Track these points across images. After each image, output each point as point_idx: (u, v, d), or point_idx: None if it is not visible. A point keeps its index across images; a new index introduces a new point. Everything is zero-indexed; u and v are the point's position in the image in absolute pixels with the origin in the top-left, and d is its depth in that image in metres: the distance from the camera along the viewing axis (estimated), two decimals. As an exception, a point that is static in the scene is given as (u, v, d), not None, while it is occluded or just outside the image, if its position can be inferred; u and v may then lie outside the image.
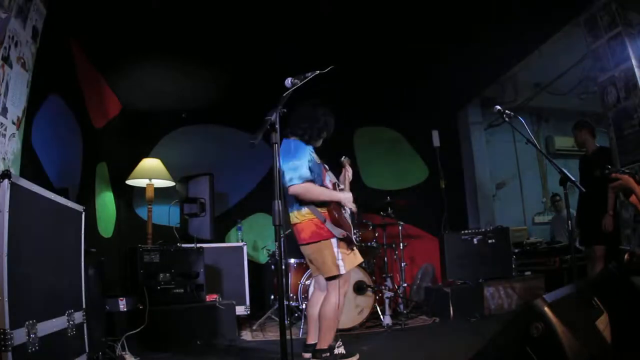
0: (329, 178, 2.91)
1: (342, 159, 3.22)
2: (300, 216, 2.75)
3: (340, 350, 2.78)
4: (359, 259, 2.86)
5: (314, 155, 2.83)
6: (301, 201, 2.73)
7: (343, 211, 2.77)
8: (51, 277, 2.21)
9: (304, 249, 2.81)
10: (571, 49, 4.64)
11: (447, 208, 5.67)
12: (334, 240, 2.69)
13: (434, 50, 4.61)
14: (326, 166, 2.95)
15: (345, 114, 5.82)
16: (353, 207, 2.86)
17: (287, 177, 2.67)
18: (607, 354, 1.57)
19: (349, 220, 2.81)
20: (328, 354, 2.68)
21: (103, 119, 4.70)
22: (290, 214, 2.82)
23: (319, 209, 2.72)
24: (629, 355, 1.67)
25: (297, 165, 2.67)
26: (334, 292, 2.71)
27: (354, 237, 2.79)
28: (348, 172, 3.18)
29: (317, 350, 2.69)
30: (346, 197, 2.80)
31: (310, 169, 2.70)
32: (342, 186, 3.03)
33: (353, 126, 6.37)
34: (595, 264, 3.91)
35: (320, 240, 2.70)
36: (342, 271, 2.68)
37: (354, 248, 2.83)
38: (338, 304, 2.70)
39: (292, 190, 2.65)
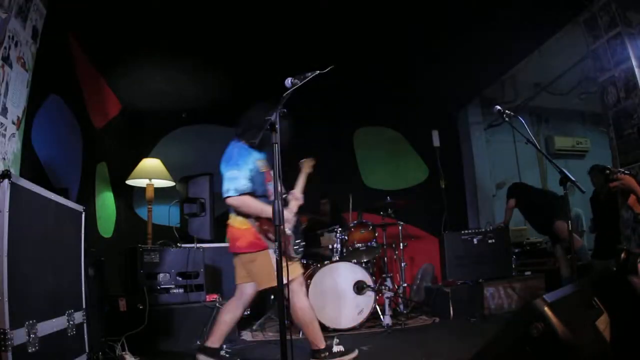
0: (272, 187, 2.87)
1: (302, 161, 3.10)
2: (238, 222, 2.70)
3: (339, 348, 2.77)
4: (298, 270, 2.79)
5: (259, 164, 2.76)
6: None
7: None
8: (51, 277, 2.21)
9: (238, 257, 2.75)
10: (571, 49, 4.64)
11: (447, 208, 5.67)
12: (271, 251, 2.64)
13: (434, 49, 4.62)
14: (272, 173, 2.90)
15: (345, 114, 5.89)
16: (291, 223, 2.75)
17: (224, 187, 2.63)
18: (607, 354, 1.57)
19: (290, 231, 2.73)
20: (327, 353, 2.68)
21: (103, 119, 4.70)
22: (230, 216, 2.77)
23: (255, 220, 2.68)
24: (629, 355, 1.67)
25: (236, 176, 2.61)
26: (296, 297, 2.67)
27: (292, 249, 2.71)
28: (302, 175, 3.06)
29: (316, 351, 2.69)
30: (285, 216, 2.67)
31: (251, 178, 2.65)
32: (285, 194, 2.91)
33: (353, 126, 6.38)
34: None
35: (258, 251, 2.65)
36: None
37: (295, 260, 2.76)
38: (308, 305, 2.69)
39: (228, 202, 2.62)
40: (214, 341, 2.72)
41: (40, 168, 3.15)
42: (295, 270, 2.75)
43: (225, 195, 2.62)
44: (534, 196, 5.15)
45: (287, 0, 3.69)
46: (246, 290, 2.79)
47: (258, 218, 2.66)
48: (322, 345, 2.70)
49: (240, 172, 2.62)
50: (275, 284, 2.62)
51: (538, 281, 4.56)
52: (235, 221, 2.73)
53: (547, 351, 1.40)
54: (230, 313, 2.77)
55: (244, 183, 2.61)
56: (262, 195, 2.71)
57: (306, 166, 3.09)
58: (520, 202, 5.20)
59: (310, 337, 2.71)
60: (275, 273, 2.59)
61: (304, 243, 2.81)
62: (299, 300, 2.70)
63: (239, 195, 2.59)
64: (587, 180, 4.87)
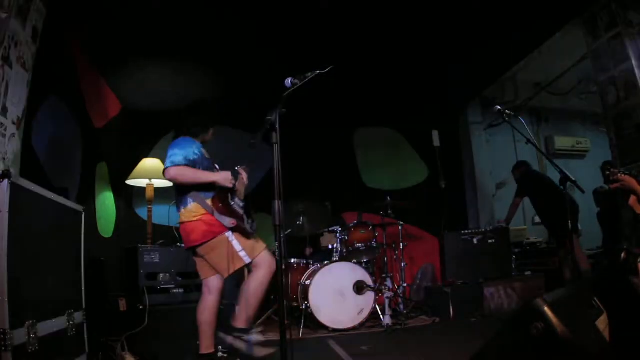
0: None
1: (237, 168, 3.06)
2: (189, 214, 2.69)
3: (257, 337, 2.72)
4: (262, 244, 2.77)
5: (204, 150, 2.84)
6: (187, 196, 2.69)
7: (231, 201, 2.71)
8: (51, 277, 2.21)
9: (198, 251, 2.72)
10: (571, 49, 4.64)
11: (447, 208, 5.67)
12: (228, 234, 2.62)
13: (434, 50, 4.62)
14: (217, 166, 2.91)
15: (345, 114, 5.89)
16: (230, 184, 2.71)
17: (165, 163, 2.64)
18: (607, 354, 1.57)
19: (240, 210, 2.74)
20: (242, 335, 2.65)
21: (103, 119, 4.70)
22: (180, 215, 2.77)
23: (206, 200, 2.67)
24: (629, 355, 1.67)
25: (176, 153, 2.63)
26: (258, 271, 2.66)
27: (247, 226, 2.71)
28: (243, 177, 3.01)
29: (236, 329, 2.65)
30: (222, 177, 2.67)
31: (194, 160, 2.67)
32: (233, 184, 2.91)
33: (353, 126, 6.38)
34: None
35: (214, 238, 2.63)
36: (247, 260, 2.63)
37: (253, 237, 2.74)
38: (264, 283, 2.66)
39: (167, 173, 2.61)
40: (207, 346, 2.71)
41: (40, 168, 3.15)
42: (261, 244, 2.76)
43: (165, 167, 2.63)
44: (550, 197, 4.78)
45: (287, 0, 3.69)
46: (213, 284, 2.77)
47: (209, 196, 2.66)
48: (247, 325, 2.67)
49: (181, 151, 2.65)
50: (238, 265, 2.62)
51: (538, 281, 4.56)
52: (185, 215, 2.71)
53: (547, 351, 1.40)
54: (205, 312, 2.73)
55: (181, 159, 2.62)
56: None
57: (243, 170, 3.05)
58: (533, 200, 5.07)
59: (249, 312, 2.66)
60: (238, 254, 2.61)
61: (255, 222, 2.82)
62: (259, 274, 2.67)
63: (176, 165, 2.59)
64: (586, 181, 4.87)
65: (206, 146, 2.97)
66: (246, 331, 2.66)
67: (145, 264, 3.60)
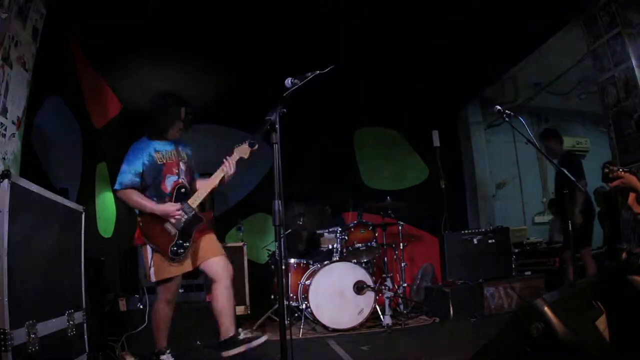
0: (173, 179, 2.74)
1: (235, 148, 2.74)
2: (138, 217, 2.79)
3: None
4: (175, 271, 2.66)
5: (157, 155, 2.73)
6: None
7: (167, 223, 2.64)
8: (51, 277, 2.21)
9: None
10: (571, 49, 4.64)
11: (447, 208, 5.67)
12: (148, 247, 2.67)
13: (435, 50, 4.62)
14: (182, 166, 2.79)
15: (345, 114, 5.89)
16: (174, 220, 2.63)
17: (117, 178, 2.70)
18: (607, 354, 1.57)
19: (171, 231, 2.64)
20: (157, 356, 2.73)
21: (103, 119, 4.70)
22: None
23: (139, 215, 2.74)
24: (628, 355, 1.67)
25: (124, 170, 2.67)
26: (157, 298, 2.75)
27: (170, 249, 2.62)
28: (225, 165, 2.73)
29: (154, 353, 2.73)
30: (164, 211, 2.61)
31: (142, 173, 2.67)
32: (185, 189, 2.75)
33: (353, 126, 6.38)
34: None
35: (139, 245, 2.74)
36: (152, 279, 2.69)
37: (176, 261, 2.65)
38: (157, 309, 2.73)
39: (116, 194, 2.72)
40: (228, 330, 2.67)
41: (40, 168, 3.15)
42: (174, 270, 2.66)
43: (114, 187, 2.71)
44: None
45: (288, 1, 3.69)
46: (211, 271, 2.79)
47: (141, 213, 2.70)
48: (156, 349, 2.74)
49: (128, 167, 2.68)
50: (150, 279, 2.69)
51: (538, 281, 4.56)
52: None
53: (547, 351, 1.40)
54: (217, 299, 2.76)
55: (130, 178, 2.66)
56: (154, 189, 2.71)
57: (240, 151, 2.75)
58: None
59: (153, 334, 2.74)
60: (151, 269, 2.66)
61: (187, 245, 2.67)
62: (157, 301, 2.76)
63: (123, 189, 2.65)
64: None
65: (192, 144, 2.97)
66: (161, 352, 2.74)
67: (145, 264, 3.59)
